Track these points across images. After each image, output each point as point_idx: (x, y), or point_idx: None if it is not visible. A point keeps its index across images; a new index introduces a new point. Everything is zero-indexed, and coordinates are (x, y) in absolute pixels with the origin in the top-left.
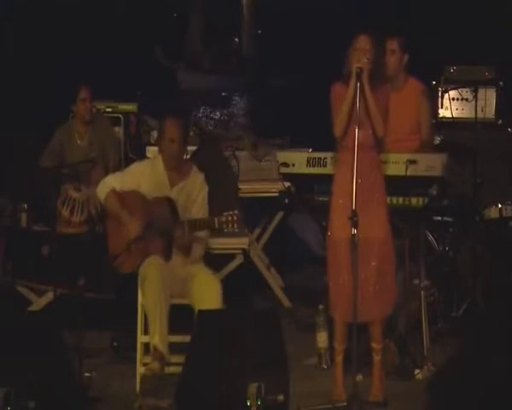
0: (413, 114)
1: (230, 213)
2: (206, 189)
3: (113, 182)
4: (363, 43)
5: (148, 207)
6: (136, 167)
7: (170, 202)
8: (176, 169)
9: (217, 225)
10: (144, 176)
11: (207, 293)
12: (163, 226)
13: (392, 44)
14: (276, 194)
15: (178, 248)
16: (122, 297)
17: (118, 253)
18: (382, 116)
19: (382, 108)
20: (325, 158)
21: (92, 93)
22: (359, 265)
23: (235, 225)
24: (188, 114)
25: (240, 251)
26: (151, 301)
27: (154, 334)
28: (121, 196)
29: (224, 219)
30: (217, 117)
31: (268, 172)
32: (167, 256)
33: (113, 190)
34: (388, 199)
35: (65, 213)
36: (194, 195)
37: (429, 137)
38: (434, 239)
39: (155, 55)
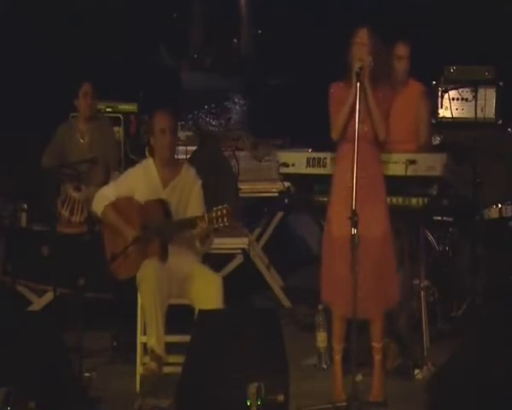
0: (412, 116)
1: (219, 207)
2: (199, 182)
3: (108, 193)
4: (362, 37)
5: (142, 211)
6: (130, 174)
7: (163, 204)
8: (168, 166)
9: (207, 223)
10: (138, 180)
11: (207, 292)
12: (157, 228)
13: (405, 50)
14: (276, 194)
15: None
16: (122, 297)
17: (115, 257)
18: (384, 116)
19: (385, 108)
20: (325, 158)
21: (94, 89)
22: (358, 262)
23: (225, 220)
24: (188, 114)
25: (240, 251)
26: (147, 303)
27: (150, 336)
28: (117, 206)
29: (213, 214)
30: (217, 117)
31: (268, 172)
32: (163, 258)
33: (110, 203)
34: (388, 199)
35: (65, 213)
36: (186, 191)
37: (428, 138)
38: (434, 239)
39: (160, 54)
